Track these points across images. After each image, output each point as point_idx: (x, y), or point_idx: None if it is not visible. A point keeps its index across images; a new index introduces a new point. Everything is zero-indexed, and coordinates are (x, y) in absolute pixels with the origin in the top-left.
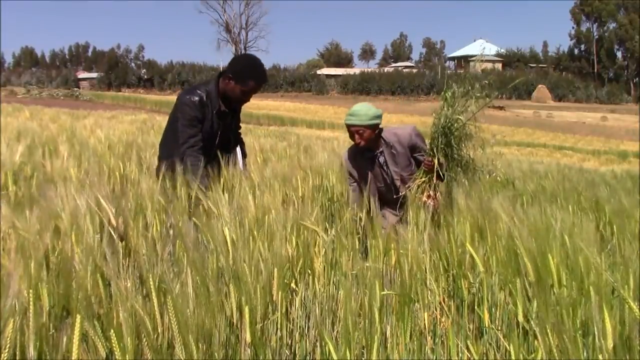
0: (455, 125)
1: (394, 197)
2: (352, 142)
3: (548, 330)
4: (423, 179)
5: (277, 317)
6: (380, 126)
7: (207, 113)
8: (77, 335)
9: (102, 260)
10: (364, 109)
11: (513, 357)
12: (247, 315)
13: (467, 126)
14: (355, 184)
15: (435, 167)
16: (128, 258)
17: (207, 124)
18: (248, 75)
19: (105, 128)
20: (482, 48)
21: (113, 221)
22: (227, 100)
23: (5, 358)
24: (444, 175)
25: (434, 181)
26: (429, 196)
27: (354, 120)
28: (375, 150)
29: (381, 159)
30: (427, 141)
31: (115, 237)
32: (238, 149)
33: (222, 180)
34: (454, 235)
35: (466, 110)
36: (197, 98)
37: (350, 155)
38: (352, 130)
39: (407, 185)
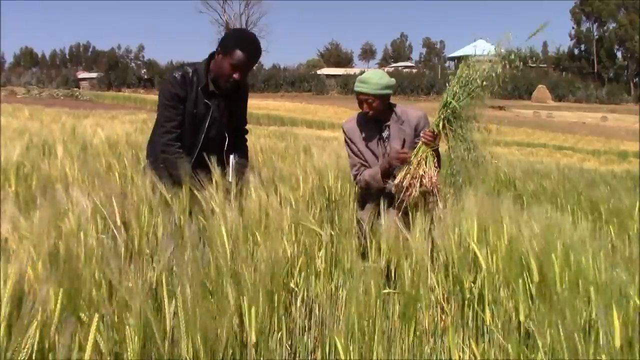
0: (474, 86)
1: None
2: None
3: (549, 330)
4: (421, 154)
5: (277, 317)
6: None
7: (190, 91)
8: (92, 337)
9: (107, 260)
10: (375, 77)
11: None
12: (252, 316)
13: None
14: (358, 159)
15: (436, 140)
16: (130, 258)
17: (190, 103)
18: (234, 44)
19: (106, 128)
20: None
21: (118, 221)
22: (218, 83)
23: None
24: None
25: (433, 158)
26: (424, 173)
27: (364, 88)
28: (382, 122)
29: (385, 133)
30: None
31: (119, 238)
32: (232, 158)
33: (214, 180)
34: (459, 234)
35: (490, 77)
36: (180, 74)
37: (356, 123)
38: (361, 98)
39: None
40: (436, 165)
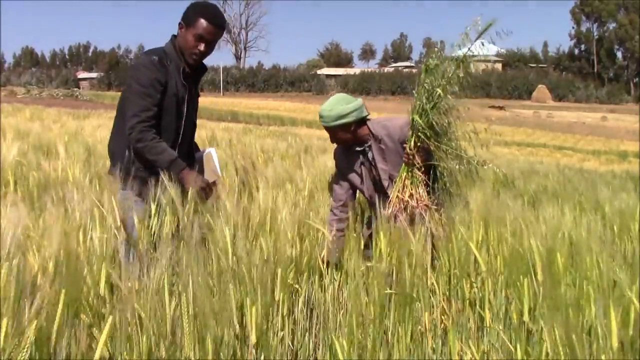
0: (438, 95)
1: (381, 200)
2: None
3: (554, 330)
4: (405, 175)
5: (279, 318)
6: (369, 117)
7: (169, 74)
8: (105, 336)
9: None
10: (327, 109)
11: (519, 357)
12: (253, 316)
13: (452, 104)
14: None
15: (415, 158)
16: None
17: (172, 85)
18: (196, 14)
19: (106, 128)
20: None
21: (119, 221)
22: (185, 59)
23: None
24: (430, 169)
25: (419, 177)
26: (411, 196)
27: (321, 121)
28: (363, 144)
29: (370, 155)
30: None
31: (120, 238)
32: (213, 151)
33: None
34: (458, 235)
35: (457, 82)
36: (155, 57)
37: (342, 148)
38: (326, 130)
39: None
40: (424, 180)
